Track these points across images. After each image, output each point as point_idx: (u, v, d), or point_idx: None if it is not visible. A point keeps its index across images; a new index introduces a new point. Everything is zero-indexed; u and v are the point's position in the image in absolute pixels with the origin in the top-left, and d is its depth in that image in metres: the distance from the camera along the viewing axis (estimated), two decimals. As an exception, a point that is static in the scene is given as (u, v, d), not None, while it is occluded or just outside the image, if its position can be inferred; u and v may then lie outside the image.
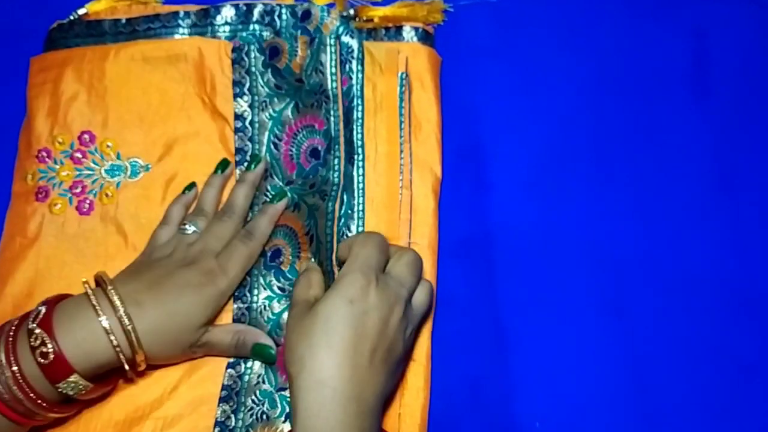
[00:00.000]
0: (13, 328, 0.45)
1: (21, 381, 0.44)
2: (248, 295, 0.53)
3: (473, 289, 0.55)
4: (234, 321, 0.53)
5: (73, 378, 0.45)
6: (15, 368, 0.44)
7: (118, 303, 0.46)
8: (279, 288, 0.54)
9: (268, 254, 0.54)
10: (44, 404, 0.45)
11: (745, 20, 0.61)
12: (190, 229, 0.53)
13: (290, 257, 0.54)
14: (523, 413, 0.53)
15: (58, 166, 0.57)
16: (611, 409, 0.53)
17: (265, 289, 0.54)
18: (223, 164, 0.57)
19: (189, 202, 0.56)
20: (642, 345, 0.54)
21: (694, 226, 0.57)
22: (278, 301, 0.53)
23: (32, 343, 0.44)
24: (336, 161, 0.53)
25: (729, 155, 0.59)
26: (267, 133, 0.57)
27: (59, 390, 0.45)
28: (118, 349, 0.46)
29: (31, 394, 0.44)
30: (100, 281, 0.48)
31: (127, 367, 0.47)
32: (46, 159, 0.57)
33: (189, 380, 0.52)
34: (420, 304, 0.48)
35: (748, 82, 0.60)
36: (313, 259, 0.53)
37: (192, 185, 0.56)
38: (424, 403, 0.51)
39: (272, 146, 0.57)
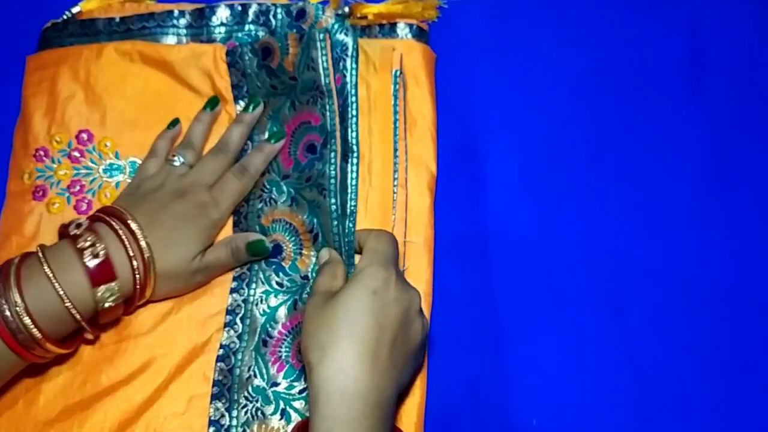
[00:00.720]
0: (17, 260, 0.47)
1: (28, 311, 0.45)
2: (245, 288, 0.54)
3: (469, 287, 0.56)
4: (228, 312, 0.53)
5: (114, 284, 0.47)
6: (18, 299, 0.45)
7: (139, 233, 0.48)
8: (277, 283, 0.54)
9: (270, 248, 0.55)
10: (44, 337, 0.46)
11: (739, 16, 0.61)
12: (179, 161, 0.54)
13: (292, 254, 0.54)
14: (520, 410, 0.53)
15: (55, 165, 0.57)
16: (608, 406, 0.53)
17: (263, 283, 0.54)
18: (213, 102, 0.57)
19: (175, 136, 0.57)
20: (638, 342, 0.54)
21: (690, 223, 0.57)
22: (275, 296, 0.53)
23: (80, 245, 0.46)
24: (332, 155, 0.53)
25: (725, 151, 0.59)
26: (266, 133, 0.57)
27: (98, 294, 0.47)
28: (137, 273, 0.48)
29: (35, 328, 0.45)
30: (115, 211, 0.49)
31: (138, 287, 0.49)
32: (44, 158, 0.57)
33: (180, 377, 0.52)
34: None
35: (744, 77, 0.60)
36: (314, 257, 0.54)
37: (176, 121, 0.57)
38: (420, 401, 0.51)
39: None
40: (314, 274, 0.53)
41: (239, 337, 0.53)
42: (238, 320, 0.53)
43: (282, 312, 0.53)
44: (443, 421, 0.53)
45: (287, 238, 0.55)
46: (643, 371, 0.53)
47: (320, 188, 0.54)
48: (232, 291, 0.54)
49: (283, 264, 0.54)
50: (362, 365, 0.42)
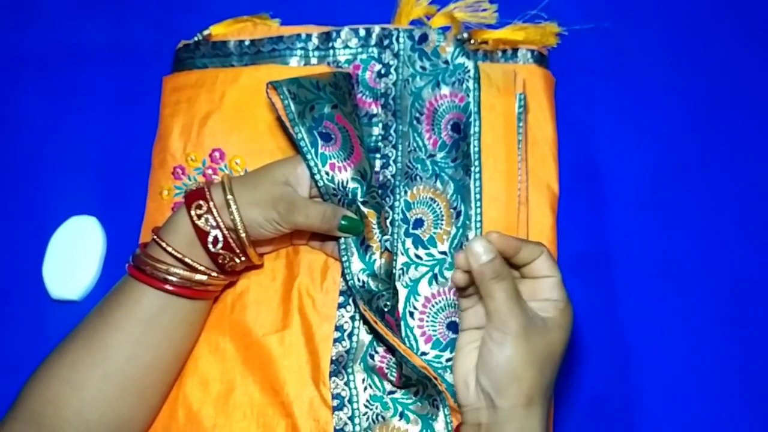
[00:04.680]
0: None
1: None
2: (351, 305, 0.56)
3: (592, 304, 0.57)
4: (337, 328, 0.55)
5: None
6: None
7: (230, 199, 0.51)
8: (416, 255, 0.56)
9: (411, 222, 0.57)
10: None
11: None
12: None
13: (432, 227, 0.57)
14: (646, 428, 0.55)
15: (192, 183, 0.60)
16: (733, 423, 0.54)
17: (402, 254, 0.56)
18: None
19: None
20: (765, 359, 0.55)
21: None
22: (415, 268, 0.56)
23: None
24: (477, 129, 0.57)
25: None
26: (409, 108, 0.60)
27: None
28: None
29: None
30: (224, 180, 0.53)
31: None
32: (181, 176, 0.60)
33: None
34: None
35: None
36: (453, 236, 0.56)
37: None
38: (548, 419, 0.53)
39: (414, 121, 0.60)
40: (452, 250, 0.55)
41: (347, 351, 0.55)
42: (345, 336, 0.55)
43: (424, 285, 0.55)
44: (569, 435, 0.55)
45: (429, 212, 0.57)
46: None
47: (466, 169, 0.56)
48: (340, 306, 0.56)
49: (422, 236, 0.57)
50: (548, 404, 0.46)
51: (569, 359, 0.56)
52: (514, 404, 0.43)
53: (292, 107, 0.53)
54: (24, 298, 0.61)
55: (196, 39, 0.64)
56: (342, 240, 0.54)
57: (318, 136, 0.53)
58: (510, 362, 0.43)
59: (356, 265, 0.53)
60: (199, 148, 0.60)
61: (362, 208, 0.53)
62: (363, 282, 0.53)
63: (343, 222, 0.52)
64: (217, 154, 0.60)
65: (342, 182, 0.53)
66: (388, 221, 0.57)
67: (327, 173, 0.53)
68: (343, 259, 0.53)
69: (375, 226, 0.54)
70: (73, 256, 0.61)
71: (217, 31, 0.64)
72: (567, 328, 0.45)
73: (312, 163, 0.53)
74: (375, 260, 0.53)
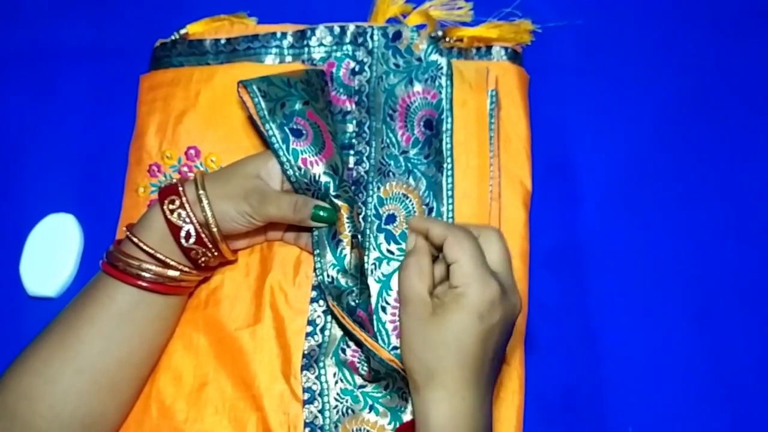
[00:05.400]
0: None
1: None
2: (323, 301, 0.56)
3: (564, 299, 0.58)
4: (309, 322, 0.56)
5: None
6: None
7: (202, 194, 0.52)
8: (388, 251, 0.57)
9: (384, 217, 0.57)
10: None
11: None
12: None
13: (404, 223, 0.57)
14: (616, 418, 0.55)
15: (167, 180, 0.60)
16: (702, 414, 0.55)
17: (375, 250, 0.57)
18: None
19: None
20: (732, 352, 0.56)
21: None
22: (387, 263, 0.56)
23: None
24: (449, 126, 0.57)
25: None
26: (382, 105, 0.60)
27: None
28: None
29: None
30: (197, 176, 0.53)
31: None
32: (157, 173, 0.60)
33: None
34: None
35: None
36: None
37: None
38: (519, 405, 0.54)
39: (387, 118, 0.60)
40: None
41: (319, 346, 0.55)
42: (318, 331, 0.56)
43: (396, 280, 0.55)
44: (540, 428, 0.55)
45: (402, 208, 0.58)
46: (737, 381, 0.55)
47: (438, 165, 0.57)
48: (312, 301, 0.56)
49: (394, 231, 0.57)
50: (469, 388, 0.44)
51: (540, 352, 0.56)
52: (411, 387, 0.46)
53: (263, 105, 0.54)
54: (1, 295, 0.61)
55: (173, 38, 0.64)
56: (315, 233, 0.54)
57: (289, 132, 0.54)
58: (401, 346, 0.46)
59: (328, 259, 0.54)
60: (174, 146, 0.61)
61: (335, 201, 0.54)
62: (332, 278, 0.53)
63: (315, 211, 0.53)
64: (192, 151, 0.61)
65: (314, 176, 0.54)
66: (361, 217, 0.57)
67: (299, 168, 0.53)
68: (316, 252, 0.54)
69: (347, 220, 0.54)
70: (51, 253, 0.61)
71: (194, 29, 0.64)
72: (462, 316, 0.44)
73: (284, 159, 0.53)
74: (345, 255, 0.54)
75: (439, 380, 0.44)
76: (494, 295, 0.44)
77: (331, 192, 0.54)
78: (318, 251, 0.54)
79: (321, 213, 0.53)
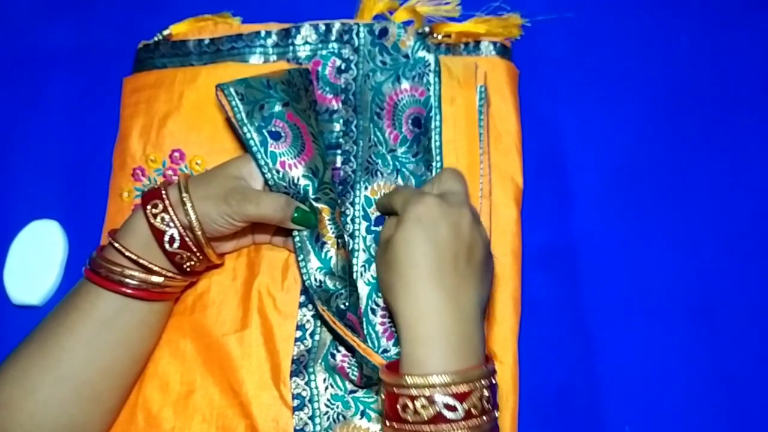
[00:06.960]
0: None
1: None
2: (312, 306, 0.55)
3: (558, 295, 0.57)
4: (298, 326, 0.55)
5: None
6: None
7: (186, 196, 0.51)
8: (376, 252, 0.56)
9: (372, 219, 0.56)
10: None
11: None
12: None
13: None
14: (612, 418, 0.54)
15: (152, 184, 0.59)
16: (699, 413, 0.54)
17: (364, 251, 0.56)
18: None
19: None
20: (728, 351, 0.55)
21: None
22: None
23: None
24: (437, 124, 0.56)
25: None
26: (369, 104, 0.59)
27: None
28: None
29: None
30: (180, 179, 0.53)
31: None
32: (141, 177, 0.59)
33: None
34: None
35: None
36: None
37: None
38: (513, 406, 0.53)
39: (375, 116, 0.59)
40: None
41: (308, 351, 0.54)
42: (307, 336, 0.55)
43: None
44: (535, 428, 0.54)
45: None
46: (733, 379, 0.54)
47: (427, 164, 0.56)
48: (301, 305, 0.55)
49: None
50: (431, 287, 0.44)
51: (534, 351, 0.55)
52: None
53: (240, 107, 0.53)
54: (-16, 304, 0.60)
55: (156, 39, 0.63)
56: (297, 238, 0.53)
57: (267, 135, 0.52)
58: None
59: (313, 263, 0.52)
60: (158, 149, 0.60)
61: (315, 204, 0.53)
62: (320, 281, 0.52)
63: (295, 214, 0.52)
64: (177, 154, 0.60)
65: (293, 179, 0.52)
66: (349, 218, 0.56)
67: (278, 171, 0.52)
68: (299, 258, 0.53)
69: (329, 222, 0.53)
70: (35, 260, 0.60)
71: (178, 30, 0.63)
72: (404, 228, 0.46)
73: (262, 162, 0.52)
74: (331, 257, 0.53)
75: (401, 291, 0.45)
76: (429, 198, 0.46)
77: (311, 195, 0.53)
78: (302, 257, 0.53)
79: (302, 216, 0.52)
